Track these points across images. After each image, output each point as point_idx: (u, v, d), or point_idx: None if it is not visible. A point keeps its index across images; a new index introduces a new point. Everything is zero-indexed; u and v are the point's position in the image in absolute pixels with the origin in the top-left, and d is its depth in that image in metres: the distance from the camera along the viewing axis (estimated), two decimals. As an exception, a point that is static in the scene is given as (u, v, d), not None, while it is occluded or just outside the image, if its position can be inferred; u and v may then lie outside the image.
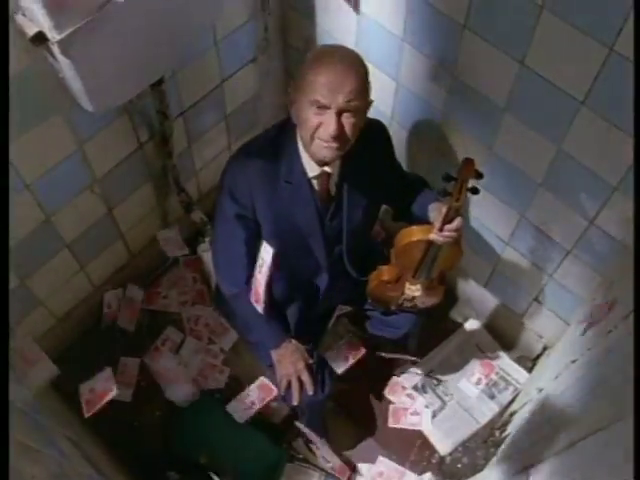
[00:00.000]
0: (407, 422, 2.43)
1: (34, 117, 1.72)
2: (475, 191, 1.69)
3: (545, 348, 2.41)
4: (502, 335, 2.57)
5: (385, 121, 2.21)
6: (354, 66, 1.59)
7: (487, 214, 2.18)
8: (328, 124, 1.57)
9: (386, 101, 2.16)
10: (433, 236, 1.71)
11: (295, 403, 2.01)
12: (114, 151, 2.08)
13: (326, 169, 1.72)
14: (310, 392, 1.99)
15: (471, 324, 2.62)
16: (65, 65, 1.49)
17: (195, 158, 2.45)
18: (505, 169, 1.95)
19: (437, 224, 1.69)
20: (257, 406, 2.22)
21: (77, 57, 1.49)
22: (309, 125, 1.59)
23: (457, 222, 1.68)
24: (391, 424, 2.43)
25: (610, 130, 1.57)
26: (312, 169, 1.73)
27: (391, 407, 2.46)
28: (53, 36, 1.42)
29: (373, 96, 2.22)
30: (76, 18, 1.42)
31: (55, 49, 1.45)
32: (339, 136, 1.58)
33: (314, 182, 1.76)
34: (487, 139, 1.93)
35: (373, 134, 1.83)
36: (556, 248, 2.00)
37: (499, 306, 2.48)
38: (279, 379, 2.02)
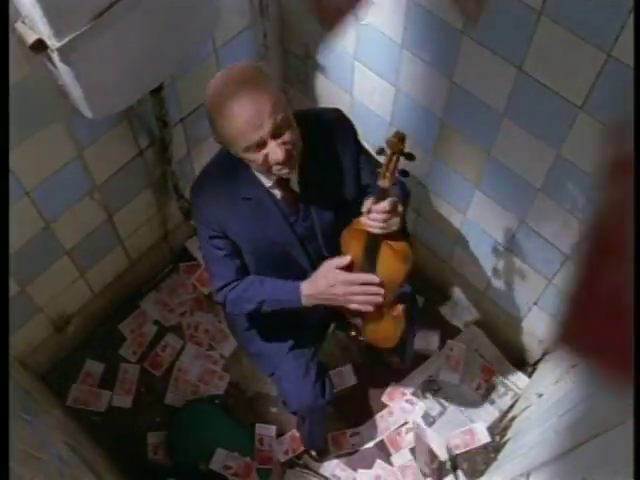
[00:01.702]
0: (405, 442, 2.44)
1: (34, 124, 1.72)
2: (405, 174, 1.56)
3: (545, 353, 2.40)
4: (502, 340, 2.57)
5: (384, 127, 2.23)
6: (255, 85, 1.49)
7: (486, 219, 2.18)
8: (273, 152, 1.52)
9: (385, 107, 2.17)
10: (363, 220, 1.61)
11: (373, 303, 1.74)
12: (114, 158, 2.08)
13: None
14: (380, 299, 1.72)
15: (471, 329, 2.62)
16: (65, 72, 1.49)
17: (195, 164, 2.45)
18: (504, 174, 1.95)
19: (365, 206, 1.59)
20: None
21: (77, 64, 1.49)
22: (257, 163, 1.55)
23: (384, 204, 1.55)
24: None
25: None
26: (268, 179, 1.68)
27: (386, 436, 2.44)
28: (53, 43, 1.42)
29: (373, 102, 2.23)
30: (76, 25, 1.43)
31: (55, 56, 1.46)
32: (289, 156, 1.54)
33: (274, 191, 1.71)
34: (486, 144, 1.93)
35: (328, 123, 1.77)
36: (555, 253, 2.00)
37: (499, 311, 2.48)
38: (340, 299, 1.75)
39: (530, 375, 2.48)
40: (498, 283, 2.37)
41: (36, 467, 1.36)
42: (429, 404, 2.48)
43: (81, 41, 1.45)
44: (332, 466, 2.37)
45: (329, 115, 1.80)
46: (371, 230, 1.61)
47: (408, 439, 2.41)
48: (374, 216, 1.57)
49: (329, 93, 2.40)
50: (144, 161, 2.19)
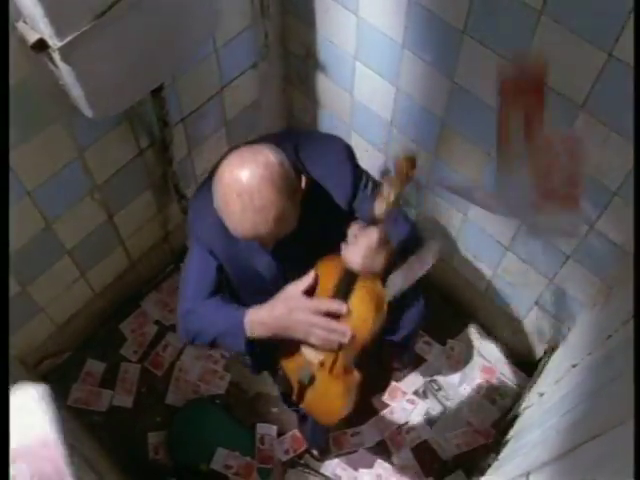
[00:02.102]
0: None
1: (35, 124, 1.73)
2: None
3: (546, 352, 2.40)
4: (503, 340, 2.57)
5: (385, 127, 2.23)
6: (261, 198, 1.39)
7: (487, 219, 2.18)
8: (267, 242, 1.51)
9: (386, 107, 2.17)
10: (343, 251, 1.48)
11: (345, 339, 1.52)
12: (114, 158, 2.08)
13: None
14: (345, 339, 1.51)
15: (471, 329, 2.62)
16: (66, 72, 1.49)
17: (195, 164, 2.45)
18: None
19: (350, 233, 1.48)
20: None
21: (78, 64, 1.49)
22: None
23: (372, 235, 1.44)
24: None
25: (609, 135, 1.57)
26: None
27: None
28: (54, 43, 1.42)
29: (373, 102, 2.23)
30: (77, 25, 1.43)
31: (56, 56, 1.46)
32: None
33: None
34: (487, 145, 1.93)
35: (327, 160, 1.66)
36: (556, 253, 2.00)
37: (499, 311, 2.48)
38: (299, 330, 1.54)
39: (531, 374, 2.48)
40: (499, 283, 2.37)
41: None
42: (430, 404, 2.48)
43: (82, 41, 1.45)
44: (333, 465, 2.37)
45: (327, 143, 1.74)
46: (348, 265, 1.48)
47: (409, 438, 2.41)
48: (354, 249, 1.46)
49: (330, 93, 2.40)
50: (144, 161, 2.19)
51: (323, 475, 2.35)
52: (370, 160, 2.49)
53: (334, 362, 1.57)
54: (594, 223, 1.81)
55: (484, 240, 2.24)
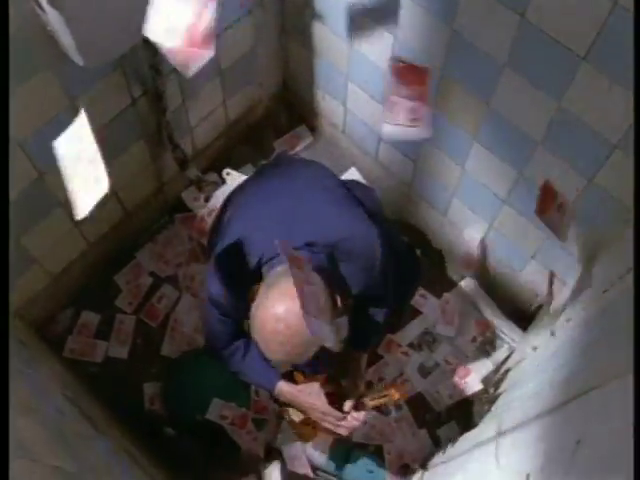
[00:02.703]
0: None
1: (24, 73, 1.68)
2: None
3: (541, 306, 2.41)
4: (498, 293, 2.58)
5: (382, 76, 2.19)
6: (294, 341, 1.52)
7: (484, 171, 2.16)
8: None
9: (384, 56, 2.13)
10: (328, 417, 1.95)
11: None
12: (107, 107, 2.04)
13: None
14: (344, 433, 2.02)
15: (467, 282, 2.62)
16: (54, 17, 1.45)
17: (190, 115, 2.42)
18: (503, 126, 1.93)
19: (345, 406, 1.93)
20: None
21: (66, 8, 1.45)
22: None
23: (357, 419, 1.95)
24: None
25: (612, 87, 1.54)
26: None
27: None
28: (41, -13, 1.38)
29: (371, 52, 2.19)
30: (65, -31, 1.39)
31: (43, 0, 1.41)
32: None
33: None
34: (486, 95, 1.90)
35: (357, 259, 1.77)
36: (554, 207, 1.99)
37: (496, 264, 2.48)
38: (309, 413, 2.03)
39: (525, 328, 2.49)
40: (495, 236, 2.36)
41: (33, 417, 1.37)
42: (424, 356, 2.50)
43: (70, -15, 1.41)
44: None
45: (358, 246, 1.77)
46: (329, 427, 1.96)
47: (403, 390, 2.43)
48: (338, 424, 1.92)
49: (327, 42, 2.36)
50: (138, 111, 2.15)
51: (325, 471, 2.35)
52: (369, 111, 2.46)
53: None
54: (593, 177, 1.79)
55: (481, 193, 2.23)
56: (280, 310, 1.49)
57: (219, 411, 2.31)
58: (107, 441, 1.81)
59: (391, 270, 1.92)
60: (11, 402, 1.24)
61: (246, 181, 2.07)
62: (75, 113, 1.90)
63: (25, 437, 1.16)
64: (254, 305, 1.57)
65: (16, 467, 0.96)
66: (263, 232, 1.67)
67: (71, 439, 1.50)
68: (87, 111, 1.93)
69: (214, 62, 2.33)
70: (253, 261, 1.68)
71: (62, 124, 1.89)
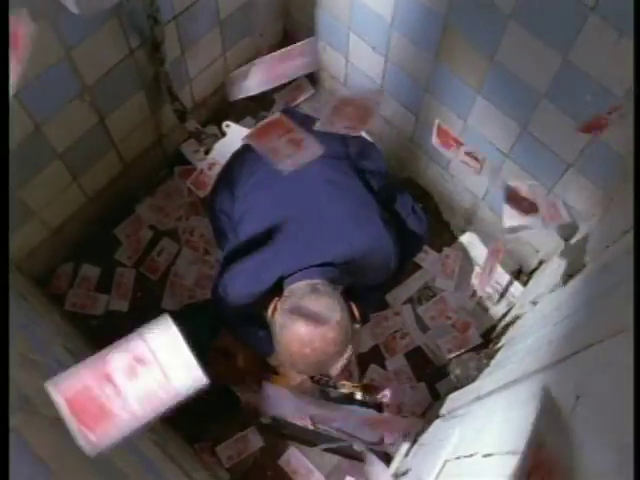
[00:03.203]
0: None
1: (18, 21, 1.64)
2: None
3: (541, 262, 2.41)
4: (498, 248, 2.57)
5: (384, 27, 2.14)
6: (324, 357, 1.63)
7: (487, 125, 2.13)
8: None
9: (385, 6, 2.08)
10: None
11: None
12: (104, 58, 2.00)
13: None
14: None
15: (468, 237, 2.62)
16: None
17: (189, 65, 2.38)
18: (507, 79, 1.89)
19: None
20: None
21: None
22: None
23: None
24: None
25: (619, 39, 1.51)
26: None
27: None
28: None
29: (373, 3, 2.14)
30: None
31: (37, -53, 1.37)
32: None
33: None
34: (490, 48, 1.86)
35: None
36: (557, 161, 1.97)
37: (497, 219, 2.46)
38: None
39: (525, 284, 2.49)
40: (497, 190, 2.34)
41: (34, 370, 1.37)
42: (424, 310, 2.50)
43: None
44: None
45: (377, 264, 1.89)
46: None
47: (403, 344, 2.45)
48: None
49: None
50: (136, 62, 2.11)
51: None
52: (370, 63, 2.42)
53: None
54: (598, 131, 1.77)
55: (483, 147, 2.20)
56: (305, 335, 1.60)
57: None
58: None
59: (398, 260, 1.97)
60: (11, 354, 1.24)
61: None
62: (71, 64, 1.88)
63: (25, 389, 1.16)
64: (278, 324, 1.66)
65: (17, 419, 0.96)
66: (286, 254, 1.74)
67: (72, 391, 1.51)
68: (83, 62, 1.91)
69: (213, 11, 2.28)
70: (273, 278, 1.75)
71: (58, 74, 1.87)
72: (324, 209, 1.83)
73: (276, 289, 1.77)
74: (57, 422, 1.17)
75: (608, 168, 1.82)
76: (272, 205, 1.88)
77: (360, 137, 2.31)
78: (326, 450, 2.29)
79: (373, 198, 1.94)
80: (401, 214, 2.16)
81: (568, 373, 1.25)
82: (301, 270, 1.70)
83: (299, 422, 2.24)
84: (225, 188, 2.09)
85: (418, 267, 2.56)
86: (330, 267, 1.73)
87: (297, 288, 1.68)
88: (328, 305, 1.62)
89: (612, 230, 1.63)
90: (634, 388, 0.81)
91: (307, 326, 1.59)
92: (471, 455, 1.49)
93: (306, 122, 2.06)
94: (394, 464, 2.22)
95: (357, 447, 2.24)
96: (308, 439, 2.28)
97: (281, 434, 2.29)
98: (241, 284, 1.83)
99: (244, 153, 2.09)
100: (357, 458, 2.27)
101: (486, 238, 2.59)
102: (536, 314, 2.03)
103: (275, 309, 1.71)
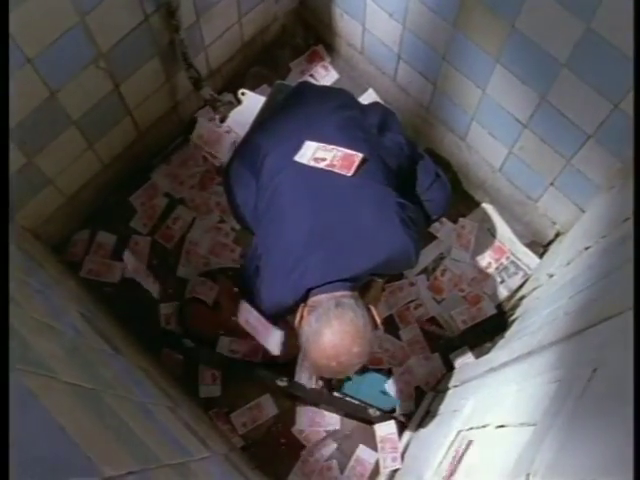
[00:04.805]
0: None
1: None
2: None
3: (558, 234, 2.39)
4: (515, 220, 2.55)
5: (403, -6, 2.10)
6: (347, 355, 1.65)
7: (506, 95, 2.10)
8: None
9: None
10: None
11: None
12: (118, 24, 1.99)
13: None
14: None
15: (483, 208, 2.60)
16: None
17: (204, 32, 2.35)
18: (527, 47, 1.86)
19: None
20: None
21: None
22: None
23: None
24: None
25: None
26: None
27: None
28: None
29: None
30: None
31: None
32: None
33: None
34: (510, 15, 1.82)
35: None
36: (577, 132, 1.94)
37: (513, 190, 2.44)
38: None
39: (541, 256, 2.48)
40: (515, 162, 2.31)
41: (49, 336, 1.38)
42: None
43: None
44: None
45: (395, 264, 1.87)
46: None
47: (417, 314, 2.45)
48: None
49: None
50: (151, 28, 2.09)
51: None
52: (387, 30, 2.38)
53: None
54: (619, 102, 1.73)
55: (501, 116, 2.17)
56: (331, 350, 1.64)
57: (228, 346, 2.36)
58: (122, 358, 1.83)
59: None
60: (27, 321, 1.25)
61: (272, 121, 2.07)
62: (86, 29, 1.86)
63: (43, 355, 1.17)
64: (304, 336, 1.69)
65: (33, 383, 0.97)
66: (317, 270, 1.74)
67: (88, 356, 1.52)
68: (98, 28, 1.90)
69: (229, -23, 2.25)
70: (301, 291, 1.75)
71: (72, 40, 1.86)
72: (347, 221, 1.80)
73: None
74: (74, 387, 1.18)
75: (628, 139, 1.79)
76: (301, 211, 1.82)
77: (378, 105, 2.27)
78: (341, 413, 2.32)
79: (392, 194, 1.86)
80: (424, 183, 2.12)
81: (585, 346, 1.24)
82: (326, 284, 1.72)
83: (315, 385, 2.27)
84: (243, 159, 2.06)
85: (433, 237, 2.55)
86: (353, 282, 1.75)
87: (322, 301, 1.70)
88: (352, 320, 1.66)
89: (631, 202, 1.61)
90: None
91: (333, 343, 1.64)
92: (484, 426, 1.50)
93: (321, 97, 2.01)
94: (406, 436, 2.24)
95: (372, 412, 2.27)
96: (323, 402, 2.32)
97: (296, 397, 2.31)
98: (269, 295, 1.86)
99: (264, 123, 2.07)
100: (372, 422, 2.29)
101: (502, 210, 2.57)
102: (552, 286, 2.01)
103: (302, 317, 1.74)
